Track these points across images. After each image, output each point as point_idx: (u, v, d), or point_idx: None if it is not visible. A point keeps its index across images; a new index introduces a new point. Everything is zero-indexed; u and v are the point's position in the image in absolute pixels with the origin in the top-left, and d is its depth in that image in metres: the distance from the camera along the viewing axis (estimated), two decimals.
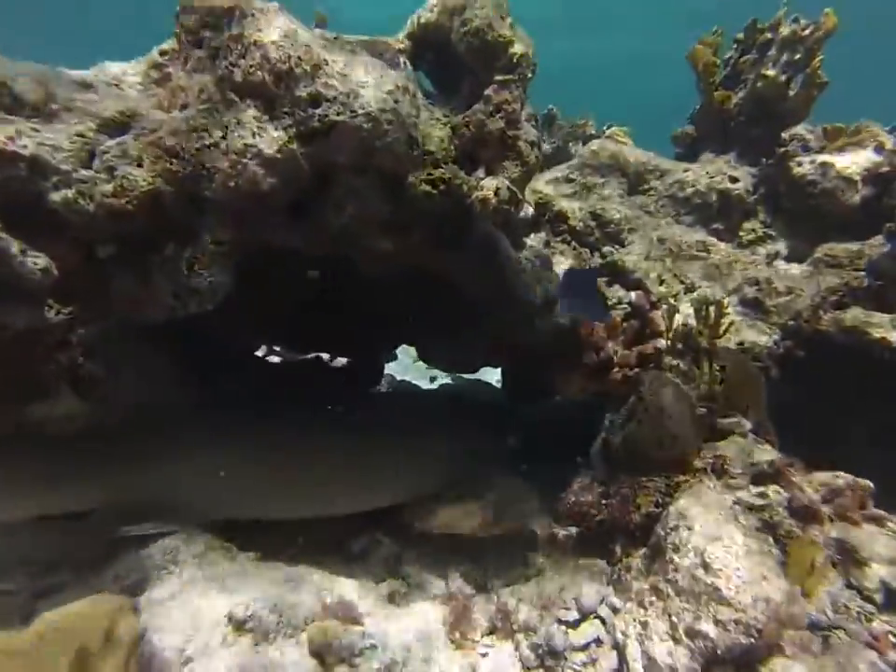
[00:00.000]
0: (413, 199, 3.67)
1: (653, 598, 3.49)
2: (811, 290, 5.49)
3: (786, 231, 6.68)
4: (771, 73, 6.71)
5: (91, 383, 3.45)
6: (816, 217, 6.36)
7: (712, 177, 6.93)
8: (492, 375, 9.10)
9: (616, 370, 4.77)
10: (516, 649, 3.54)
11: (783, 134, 6.73)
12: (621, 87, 40.23)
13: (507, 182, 3.87)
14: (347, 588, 3.59)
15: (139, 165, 3.04)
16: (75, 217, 2.99)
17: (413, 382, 9.02)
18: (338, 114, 3.14)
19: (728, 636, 3.09)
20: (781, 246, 6.61)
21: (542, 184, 6.91)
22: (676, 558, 3.48)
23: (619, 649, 3.47)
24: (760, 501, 3.85)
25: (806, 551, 3.64)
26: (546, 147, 8.44)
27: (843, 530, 3.84)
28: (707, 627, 3.15)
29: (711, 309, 4.88)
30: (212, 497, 3.99)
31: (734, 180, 6.85)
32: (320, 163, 3.26)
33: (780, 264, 6.40)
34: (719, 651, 3.09)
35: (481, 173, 3.91)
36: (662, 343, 4.79)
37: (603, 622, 3.67)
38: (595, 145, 7.50)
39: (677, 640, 3.23)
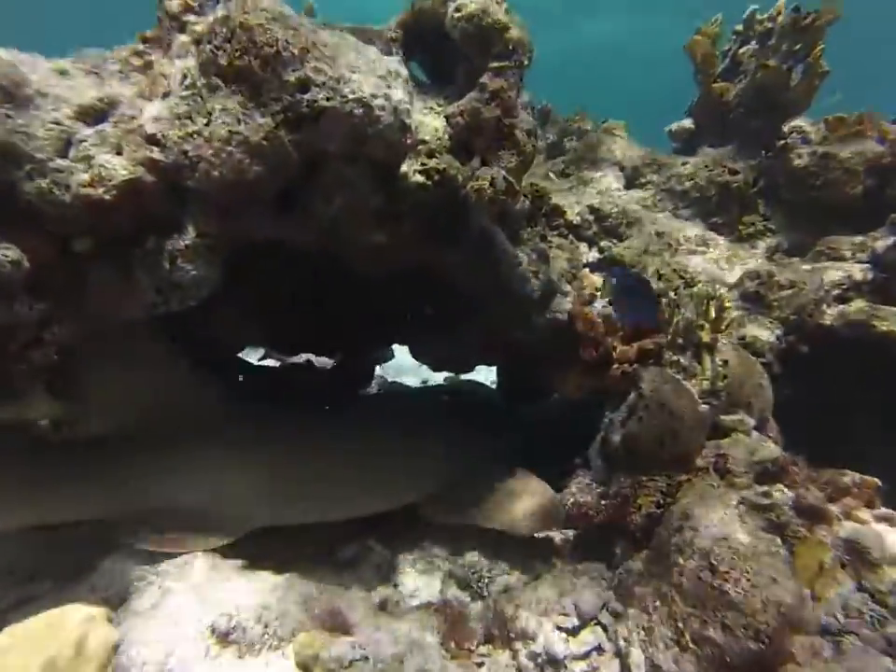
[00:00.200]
0: (406, 190, 3.56)
1: (657, 603, 3.35)
2: (814, 284, 5.38)
3: (786, 224, 6.58)
4: (772, 63, 6.59)
5: (67, 383, 3.30)
6: (817, 210, 6.27)
7: (711, 170, 6.83)
8: (485, 376, 9.04)
9: (615, 366, 4.65)
10: (514, 658, 3.39)
11: (783, 127, 6.63)
12: (616, 83, 40.13)
13: (503, 172, 3.76)
14: (336, 596, 3.44)
15: (118, 154, 2.90)
16: (49, 207, 2.83)
17: (407, 383, 8.94)
18: (327, 99, 3.00)
19: (737, 642, 2.95)
20: (782, 240, 6.50)
21: (538, 178, 6.79)
22: (680, 560, 3.35)
23: (621, 656, 3.33)
24: (765, 501, 3.73)
25: (814, 552, 3.54)
26: (540, 143, 8.33)
27: (852, 530, 3.72)
28: (715, 633, 3.01)
29: (712, 303, 4.77)
30: (243, 506, 3.88)
31: (733, 173, 6.74)
32: (309, 151, 3.12)
33: (781, 258, 6.28)
34: (727, 658, 2.94)
35: (476, 163, 3.80)
36: (661, 338, 4.67)
37: (604, 628, 3.52)
38: (591, 139, 7.40)
39: (683, 647, 3.09)
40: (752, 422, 4.41)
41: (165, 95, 3.13)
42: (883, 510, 3.94)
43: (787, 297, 5.42)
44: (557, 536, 4.30)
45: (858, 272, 5.25)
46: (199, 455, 3.94)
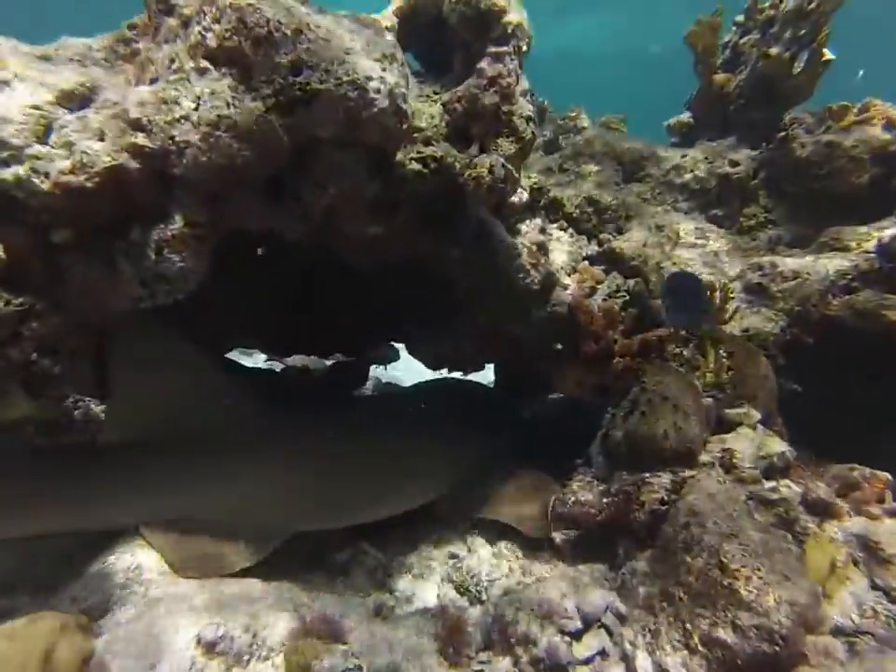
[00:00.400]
0: (403, 178, 3.48)
1: (664, 603, 3.22)
2: (818, 274, 5.28)
3: (789, 215, 6.46)
4: (774, 51, 6.46)
5: (45, 381, 3.16)
6: (821, 200, 6.15)
7: (711, 162, 6.72)
8: (483, 375, 8.94)
9: (616, 359, 4.55)
10: (515, 664, 3.23)
11: (785, 118, 6.52)
12: (613, 81, 40.01)
13: (501, 160, 3.67)
14: (330, 603, 3.31)
15: (101, 140, 2.78)
16: (27, 196, 2.71)
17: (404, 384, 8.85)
18: (321, 82, 2.89)
19: (749, 643, 2.80)
20: (783, 231, 6.39)
21: (536, 172, 6.70)
22: (688, 559, 3.21)
23: (627, 661, 3.18)
24: (774, 496, 3.64)
25: (825, 548, 3.44)
26: (538, 140, 8.26)
27: (863, 526, 3.62)
28: (726, 634, 2.86)
29: (717, 294, 4.68)
30: (275, 516, 3.79)
31: (734, 164, 6.63)
32: (301, 136, 3.01)
33: (783, 250, 6.18)
34: (739, 661, 2.80)
35: (474, 150, 3.71)
36: (664, 330, 4.58)
37: (608, 631, 3.36)
38: (589, 132, 7.31)
39: (692, 650, 2.95)
40: (758, 415, 4.32)
41: (153, 81, 3.02)
42: (894, 504, 3.83)
43: (791, 288, 5.33)
44: (558, 536, 4.18)
45: (864, 261, 5.14)
46: (228, 463, 3.86)
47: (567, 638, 3.27)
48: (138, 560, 3.28)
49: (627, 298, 4.93)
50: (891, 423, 4.63)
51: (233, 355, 7.55)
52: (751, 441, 4.09)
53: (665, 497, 3.85)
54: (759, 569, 2.98)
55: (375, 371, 9.36)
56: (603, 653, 3.24)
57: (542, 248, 4.44)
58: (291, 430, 4.37)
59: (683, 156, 6.88)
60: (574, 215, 5.98)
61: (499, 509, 4.43)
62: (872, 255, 5.16)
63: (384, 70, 3.08)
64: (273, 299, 5.01)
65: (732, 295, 4.62)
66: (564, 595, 3.45)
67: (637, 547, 3.84)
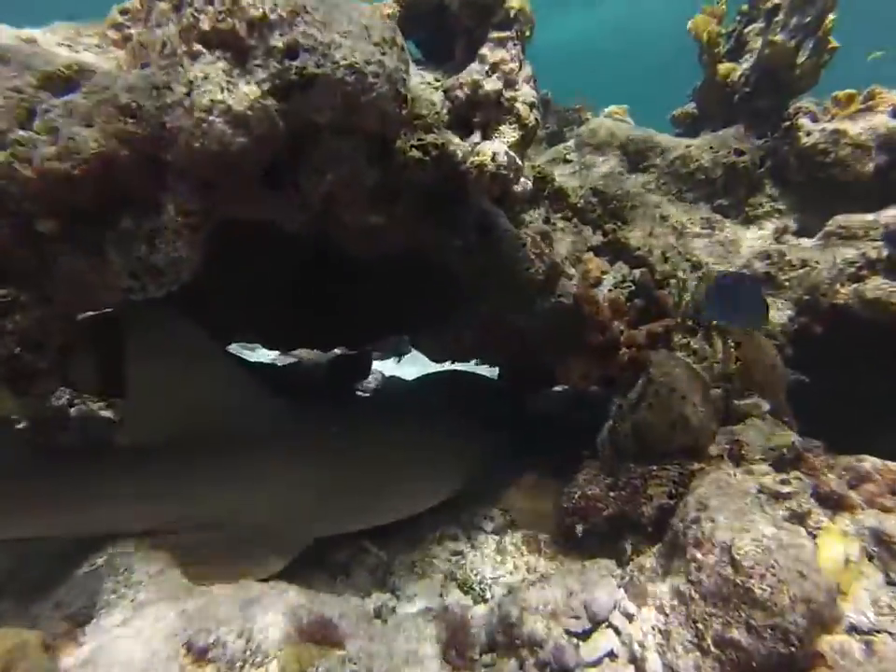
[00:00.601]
0: (403, 166, 3.39)
1: (675, 602, 3.12)
2: (827, 263, 5.20)
3: (795, 205, 6.41)
4: (779, 38, 6.37)
5: (30, 377, 3.06)
6: (827, 189, 6.08)
7: (716, 152, 6.63)
8: (487, 368, 8.86)
9: (622, 350, 4.47)
10: (521, 667, 3.13)
11: (790, 107, 6.44)
12: (617, 70, 39.87)
13: (505, 147, 3.58)
14: (328, 605, 3.20)
15: (88, 125, 2.68)
16: (9, 184, 2.62)
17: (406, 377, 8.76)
18: (318, 66, 2.79)
19: (764, 644, 2.70)
20: (790, 221, 6.32)
21: (540, 161, 6.63)
22: (699, 555, 3.11)
23: (636, 662, 3.09)
24: (785, 489, 3.55)
25: (838, 543, 3.34)
26: (540, 132, 8.19)
27: (877, 519, 3.52)
28: (740, 635, 2.76)
29: None
30: (302, 518, 3.74)
31: (739, 153, 6.54)
32: (298, 122, 2.91)
33: (789, 239, 6.10)
34: (754, 664, 2.70)
35: (476, 138, 3.63)
36: (671, 321, 4.50)
37: (617, 631, 3.27)
38: (593, 123, 7.23)
39: (704, 651, 2.85)
40: (767, 406, 4.25)
41: (143, 66, 2.93)
42: None
43: (799, 277, 5.27)
44: (564, 531, 4.11)
45: (871, 249, 5.06)
46: (254, 465, 3.79)
47: (575, 640, 3.18)
48: (129, 562, 3.16)
49: (633, 288, 4.85)
50: None
51: (233, 349, 7.47)
52: (760, 433, 4.02)
53: (673, 491, 3.80)
54: (773, 566, 2.87)
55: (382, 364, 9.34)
56: (612, 654, 3.15)
57: (547, 238, 4.36)
58: (309, 430, 4.30)
59: (688, 146, 6.79)
60: (579, 205, 5.92)
61: (504, 504, 4.39)
62: (879, 243, 5.08)
63: (383, 54, 2.98)
64: (273, 292, 4.93)
65: None
66: (570, 594, 3.37)
67: (646, 542, 3.80)
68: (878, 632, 2.96)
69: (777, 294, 5.32)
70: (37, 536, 3.26)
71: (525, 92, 3.73)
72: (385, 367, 9.57)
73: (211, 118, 2.70)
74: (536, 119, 3.76)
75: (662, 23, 26.89)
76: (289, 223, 3.39)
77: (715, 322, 4.45)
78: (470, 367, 7.55)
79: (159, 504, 3.46)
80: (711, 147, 6.68)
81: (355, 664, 2.78)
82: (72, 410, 4.36)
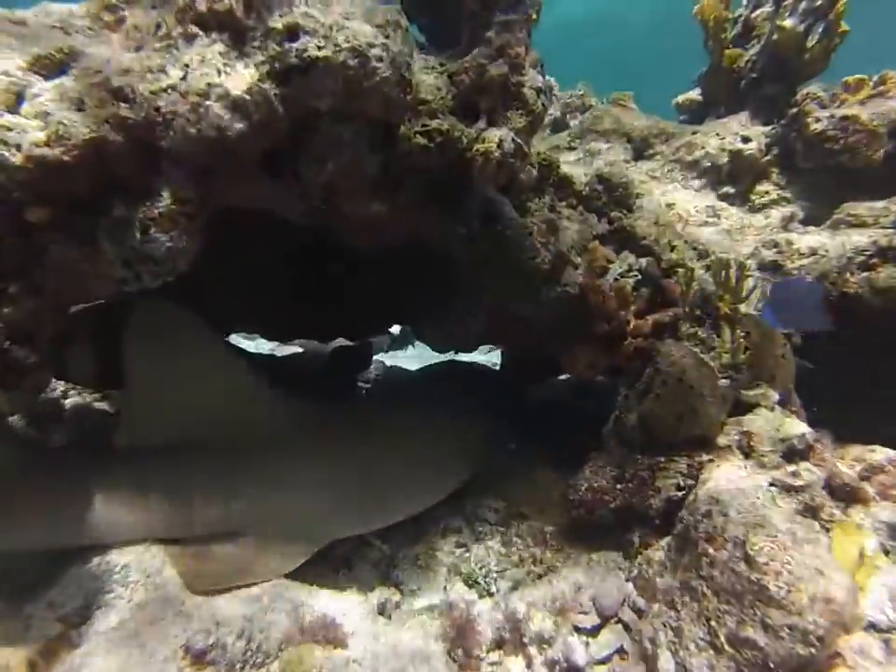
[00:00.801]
0: (407, 153, 3.31)
1: (686, 598, 3.05)
2: (836, 251, 5.12)
3: (802, 192, 6.34)
4: (788, 23, 6.28)
5: (19, 372, 2.92)
6: (836, 176, 6.00)
7: (722, 139, 6.58)
8: (488, 359, 8.82)
9: (629, 340, 4.40)
10: (528, 665, 3.09)
11: (798, 93, 6.35)
12: (621, 56, 39.68)
13: (511, 134, 3.49)
14: (330, 602, 3.13)
15: (79, 110, 2.58)
16: None
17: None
18: (319, 48, 2.71)
19: (782, 644, 2.61)
20: (797, 209, 6.24)
21: (543, 148, 6.55)
22: (710, 550, 3.04)
23: (647, 660, 3.02)
24: (798, 482, 3.47)
25: (853, 537, 3.26)
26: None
27: (893, 512, 3.45)
28: (755, 634, 2.68)
29: (732, 272, 4.51)
30: (323, 518, 3.71)
31: (745, 140, 6.48)
32: (298, 107, 2.83)
33: (797, 227, 6.02)
34: (771, 665, 2.62)
35: (482, 124, 3.53)
36: (678, 310, 4.42)
37: (626, 627, 3.22)
38: (597, 110, 7.16)
39: (718, 650, 2.78)
40: (776, 396, 4.17)
41: (138, 49, 2.84)
42: None
43: (808, 265, 5.18)
44: (571, 523, 4.05)
45: (882, 237, 4.97)
46: (264, 466, 3.74)
47: (584, 638, 3.11)
48: (125, 559, 3.09)
49: (639, 277, 4.77)
50: None
51: (232, 340, 7.41)
52: (770, 423, 3.94)
53: (682, 483, 3.75)
54: (789, 563, 2.80)
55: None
56: (621, 651, 3.09)
57: (552, 227, 4.28)
58: (319, 427, 4.24)
59: (694, 133, 6.72)
60: (584, 193, 5.82)
61: (508, 495, 4.37)
62: (890, 230, 5.00)
63: (386, 37, 2.89)
64: (273, 282, 4.87)
65: (748, 273, 4.45)
66: (579, 589, 3.32)
67: (653, 534, 3.75)
68: None
69: None
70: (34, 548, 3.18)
71: (532, 77, 3.64)
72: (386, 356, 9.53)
73: (207, 102, 2.62)
74: (543, 105, 3.68)
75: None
76: (289, 212, 3.32)
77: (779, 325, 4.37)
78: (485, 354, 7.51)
79: (162, 509, 3.37)
80: (717, 134, 6.63)
81: (359, 665, 2.72)
82: (66, 402, 4.28)
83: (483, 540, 4.12)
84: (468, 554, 3.99)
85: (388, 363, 8.81)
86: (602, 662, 3.05)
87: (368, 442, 4.18)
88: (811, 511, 3.36)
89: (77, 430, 4.20)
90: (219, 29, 2.70)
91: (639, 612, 3.23)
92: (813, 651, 2.60)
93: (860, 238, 5.15)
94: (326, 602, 3.10)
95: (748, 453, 3.80)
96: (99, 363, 3.80)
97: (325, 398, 4.88)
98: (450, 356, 6.93)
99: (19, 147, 2.49)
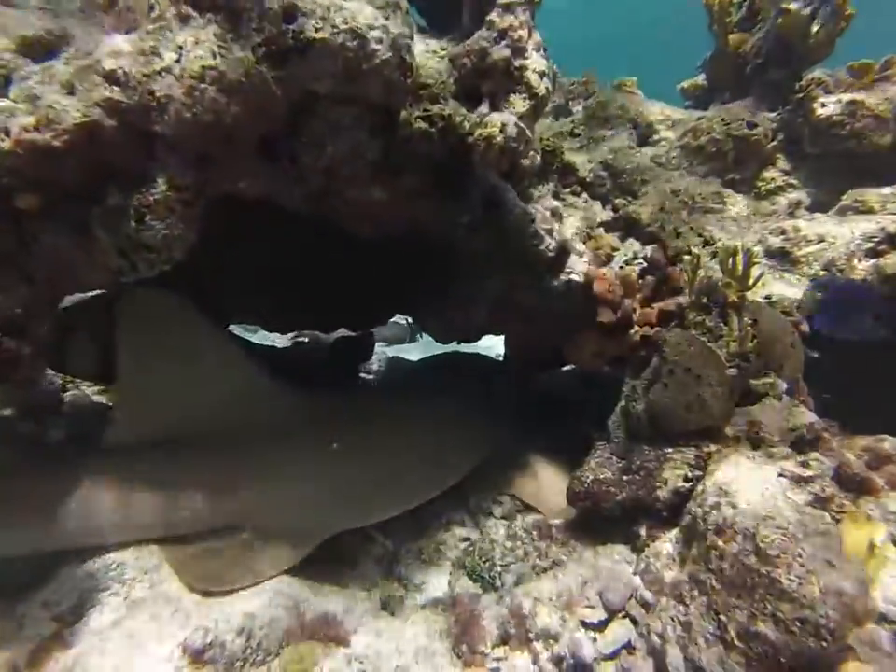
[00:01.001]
0: (407, 138, 3.24)
1: (695, 592, 2.98)
2: (843, 238, 5.05)
3: (808, 179, 6.26)
4: (793, 7, 6.19)
5: (11, 364, 2.87)
6: (842, 162, 5.92)
7: (728, 124, 6.47)
8: (490, 349, 8.75)
9: (634, 329, 4.34)
10: (534, 662, 3.02)
11: (803, 78, 6.26)
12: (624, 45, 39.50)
13: (514, 118, 3.42)
14: (332, 598, 3.07)
15: (70, 94, 2.53)
16: None
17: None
18: (316, 29, 2.64)
19: (793, 638, 2.55)
20: (803, 195, 6.17)
21: (547, 134, 6.48)
22: (720, 542, 2.98)
23: (656, 655, 2.95)
24: (807, 472, 3.40)
25: (863, 528, 3.19)
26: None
27: None
28: (766, 628, 2.61)
29: (739, 259, 4.44)
30: (323, 512, 3.65)
31: (751, 126, 6.38)
32: (295, 90, 2.77)
33: (803, 213, 5.95)
34: (782, 659, 2.56)
35: (484, 108, 3.46)
36: (684, 298, 4.35)
37: (634, 621, 3.16)
38: (602, 96, 7.06)
39: (728, 644, 2.71)
40: (784, 385, 4.10)
41: (130, 31, 2.76)
42: None
43: (815, 252, 5.12)
44: (576, 516, 3.99)
45: (891, 224, 4.90)
46: (266, 460, 3.68)
47: (591, 633, 3.05)
48: (122, 557, 3.04)
49: (645, 265, 4.71)
50: None
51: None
52: (778, 413, 3.87)
53: (689, 474, 3.69)
54: (800, 555, 2.73)
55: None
56: (629, 646, 3.03)
57: (556, 214, 4.22)
58: (320, 418, 4.19)
59: (699, 118, 6.63)
60: (588, 179, 5.77)
61: (513, 487, 4.32)
62: None
63: (386, 19, 2.82)
64: (274, 273, 4.81)
65: (756, 260, 4.38)
66: (585, 583, 3.26)
67: (661, 527, 3.68)
68: None
69: (792, 270, 5.20)
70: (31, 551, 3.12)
71: (536, 61, 3.57)
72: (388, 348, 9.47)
73: (203, 85, 2.56)
74: (547, 89, 3.61)
75: None
76: (288, 199, 3.26)
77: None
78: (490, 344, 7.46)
79: (159, 505, 3.31)
80: (723, 120, 6.52)
81: (361, 663, 2.66)
82: (65, 395, 4.22)
83: (487, 534, 4.08)
84: (472, 548, 3.95)
85: (391, 353, 8.76)
86: (610, 657, 2.99)
87: (369, 434, 4.12)
88: (821, 502, 3.29)
89: (76, 426, 4.14)
90: (214, 10, 2.62)
91: (647, 606, 3.17)
92: (825, 644, 2.54)
93: (867, 224, 5.09)
94: (327, 598, 3.04)
95: (756, 443, 3.73)
96: (99, 356, 3.74)
97: (326, 388, 4.82)
98: (454, 346, 6.87)
99: (7, 132, 2.44)
